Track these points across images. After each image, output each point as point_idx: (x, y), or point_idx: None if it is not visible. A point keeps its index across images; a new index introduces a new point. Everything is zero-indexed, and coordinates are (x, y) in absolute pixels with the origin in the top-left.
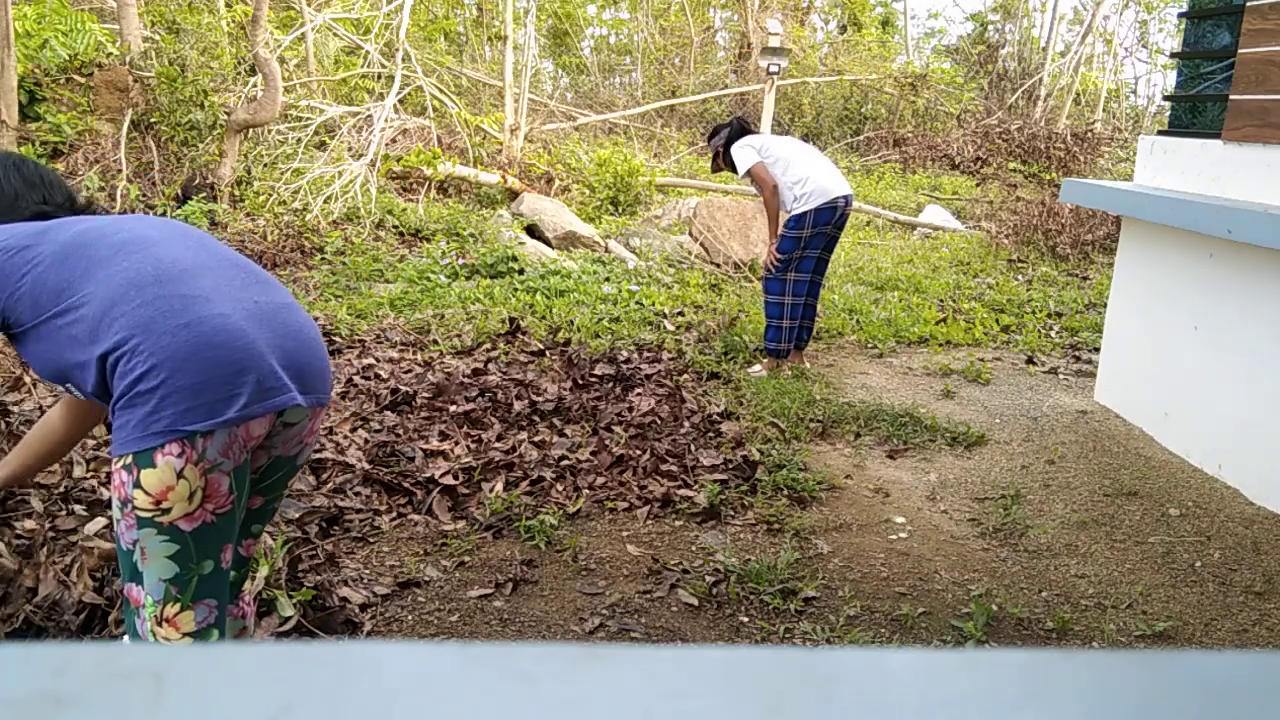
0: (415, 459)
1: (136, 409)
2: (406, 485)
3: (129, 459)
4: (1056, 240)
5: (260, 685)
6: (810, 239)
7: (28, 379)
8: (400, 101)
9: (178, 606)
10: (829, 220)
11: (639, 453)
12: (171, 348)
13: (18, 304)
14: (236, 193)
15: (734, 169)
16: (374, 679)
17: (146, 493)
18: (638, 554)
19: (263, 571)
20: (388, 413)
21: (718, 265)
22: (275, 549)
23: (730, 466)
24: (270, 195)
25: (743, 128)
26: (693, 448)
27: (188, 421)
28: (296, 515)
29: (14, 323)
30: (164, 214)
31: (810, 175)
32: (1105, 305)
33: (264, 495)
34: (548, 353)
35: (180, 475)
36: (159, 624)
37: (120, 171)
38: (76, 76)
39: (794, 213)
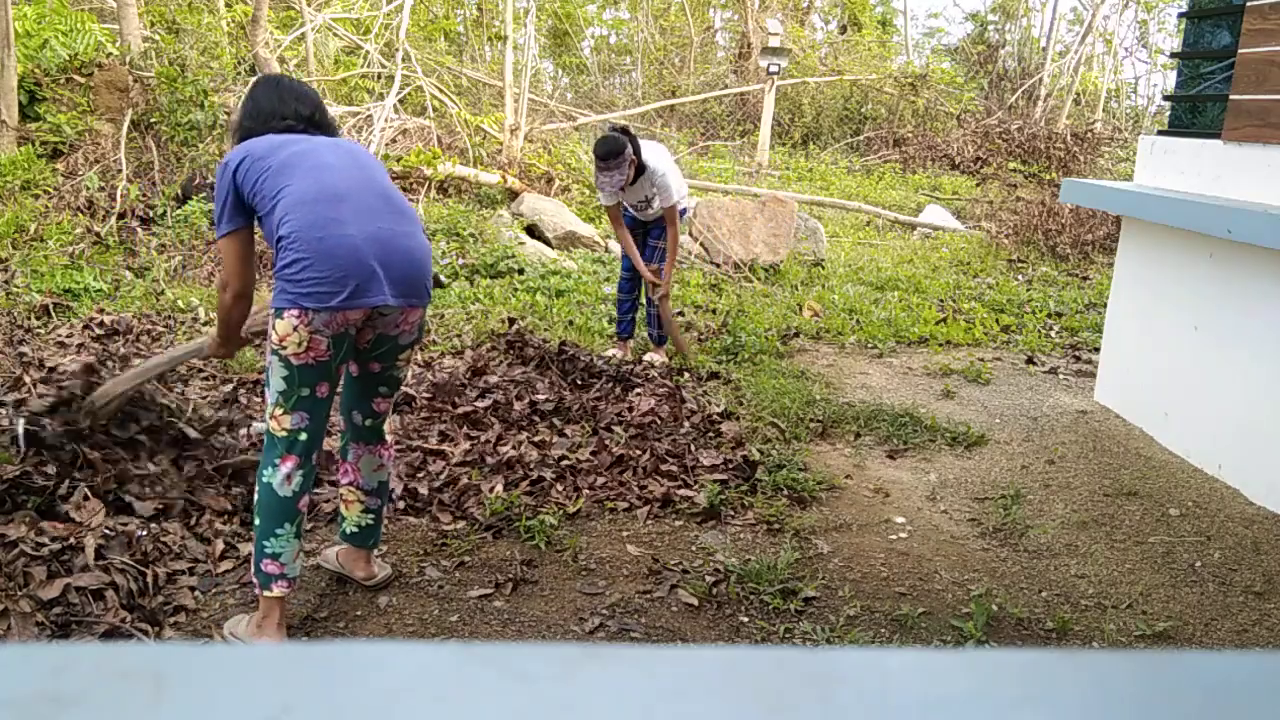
0: (415, 459)
1: (283, 281)
2: (407, 485)
3: (274, 310)
4: (1056, 240)
5: (260, 685)
6: None
7: (27, 379)
8: (400, 101)
9: (282, 410)
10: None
11: (639, 453)
12: (307, 250)
13: (256, 197)
14: None
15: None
16: (374, 679)
17: (276, 333)
18: (638, 554)
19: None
20: None
21: (717, 265)
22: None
23: (730, 466)
24: None
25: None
26: (693, 448)
27: (306, 301)
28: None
29: (256, 208)
30: (164, 214)
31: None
32: (1105, 305)
33: (379, 362)
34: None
35: (295, 330)
36: (272, 418)
37: (120, 171)
38: (76, 76)
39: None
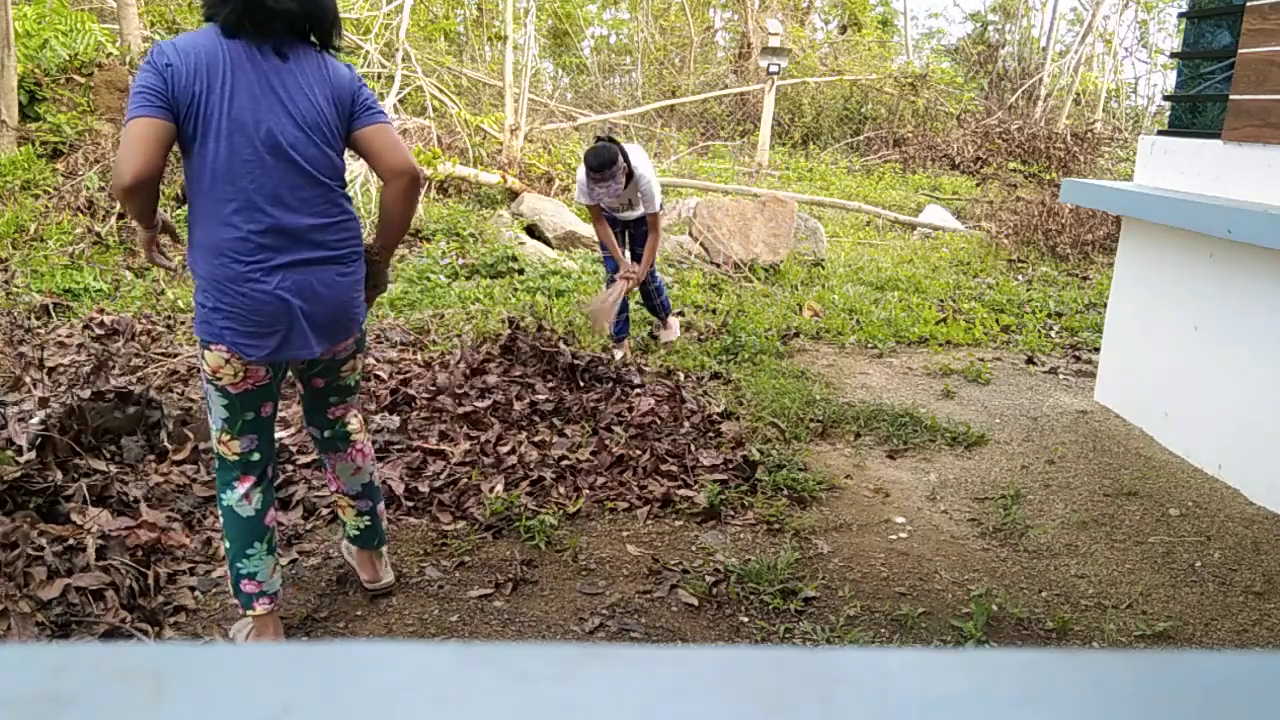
0: (415, 459)
1: (206, 313)
2: (408, 485)
3: (200, 340)
4: (1056, 240)
5: (260, 685)
6: None
7: (27, 379)
8: (400, 101)
9: (229, 435)
10: None
11: (639, 453)
12: (230, 305)
13: (181, 135)
14: None
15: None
16: (374, 679)
17: (208, 365)
18: (638, 554)
19: None
20: (387, 413)
21: (717, 265)
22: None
23: (730, 466)
24: None
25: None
26: (693, 448)
27: (235, 345)
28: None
29: (179, 135)
30: (164, 213)
31: None
32: (1105, 305)
33: (322, 378)
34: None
35: (228, 362)
36: (220, 443)
37: None
38: (76, 76)
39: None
